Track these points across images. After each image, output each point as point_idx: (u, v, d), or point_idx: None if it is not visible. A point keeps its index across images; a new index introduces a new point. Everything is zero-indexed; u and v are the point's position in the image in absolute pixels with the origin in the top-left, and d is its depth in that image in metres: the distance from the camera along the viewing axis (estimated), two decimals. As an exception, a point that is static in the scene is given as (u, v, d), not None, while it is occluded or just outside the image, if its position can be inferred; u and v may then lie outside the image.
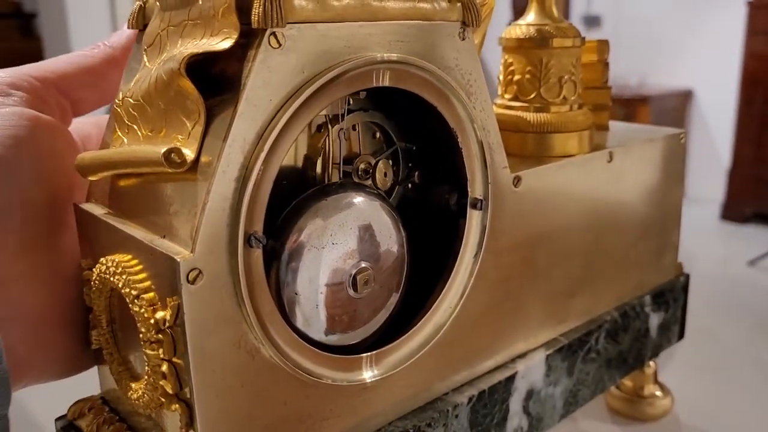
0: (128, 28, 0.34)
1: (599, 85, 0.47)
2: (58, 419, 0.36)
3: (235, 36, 0.26)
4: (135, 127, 0.30)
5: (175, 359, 0.27)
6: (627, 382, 0.54)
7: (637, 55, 4.69)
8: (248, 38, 0.27)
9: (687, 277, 0.52)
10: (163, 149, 0.26)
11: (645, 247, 0.48)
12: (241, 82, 0.26)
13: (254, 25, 0.26)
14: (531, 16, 0.42)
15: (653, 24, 4.54)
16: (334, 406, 0.32)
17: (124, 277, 0.28)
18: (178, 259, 0.25)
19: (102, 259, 0.30)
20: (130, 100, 0.30)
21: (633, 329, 0.48)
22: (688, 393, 0.57)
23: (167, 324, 0.26)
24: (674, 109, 4.42)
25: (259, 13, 0.26)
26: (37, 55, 4.23)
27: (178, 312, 0.26)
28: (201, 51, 0.26)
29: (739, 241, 3.48)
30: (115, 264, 0.29)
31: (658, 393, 0.54)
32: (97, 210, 0.32)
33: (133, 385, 0.30)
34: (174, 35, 0.29)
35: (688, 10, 4.31)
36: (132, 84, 0.30)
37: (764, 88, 3.66)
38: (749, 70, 3.76)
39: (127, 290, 0.28)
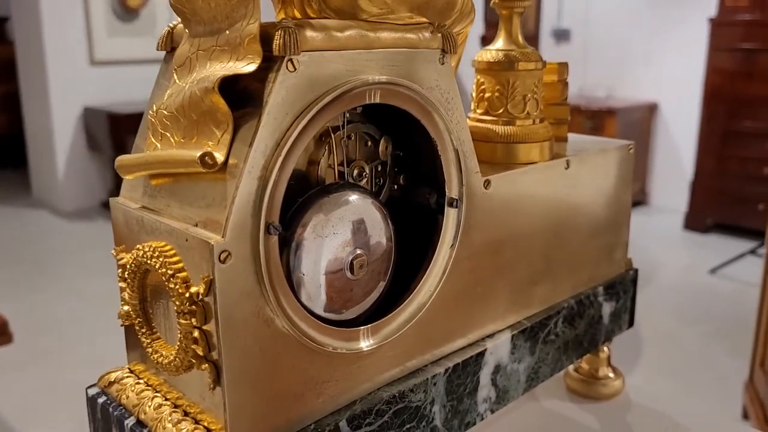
0: (157, 50, 0.39)
1: (559, 102, 0.54)
2: (89, 387, 0.41)
3: (258, 61, 0.32)
4: (168, 134, 0.35)
5: (205, 327, 0.33)
6: (584, 365, 0.61)
7: (604, 69, 4.82)
8: (268, 63, 0.33)
9: (636, 271, 0.59)
10: (199, 153, 0.32)
11: (598, 243, 0.55)
12: (263, 99, 0.32)
13: (275, 53, 0.32)
14: (500, 43, 0.49)
15: (620, 39, 4.68)
16: (334, 371, 0.37)
17: (160, 259, 0.34)
18: (212, 243, 0.31)
19: (138, 245, 0.35)
20: (164, 111, 0.35)
21: (587, 316, 0.54)
22: (647, 388, 0.63)
23: (200, 297, 0.32)
24: (640, 122, 4.56)
25: (279, 43, 0.32)
26: (9, 60, 4.21)
27: (210, 286, 0.32)
28: (230, 73, 0.32)
29: (701, 250, 3.61)
30: (151, 249, 0.34)
31: (611, 375, 0.61)
32: (131, 204, 0.37)
33: (163, 352, 0.36)
34: (203, 58, 0.35)
35: (654, 26, 4.45)
36: (165, 98, 0.36)
37: (726, 103, 3.81)
38: (711, 84, 3.90)
39: (164, 270, 0.33)
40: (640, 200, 4.82)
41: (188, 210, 0.34)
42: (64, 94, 4.10)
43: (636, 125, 4.49)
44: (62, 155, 4.15)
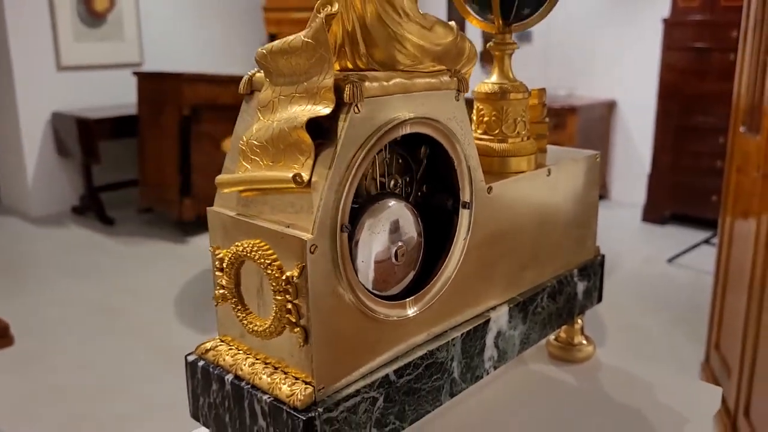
0: (240, 92, 0.51)
1: (539, 120, 0.67)
2: (187, 355, 0.53)
3: (332, 106, 0.44)
4: (257, 159, 0.47)
5: (296, 301, 0.45)
6: (562, 334, 0.74)
7: (565, 69, 5.02)
8: (339, 106, 0.45)
9: (603, 256, 0.72)
10: (290, 174, 0.44)
11: (573, 234, 0.68)
12: (338, 134, 0.44)
13: (345, 100, 0.44)
14: (494, 77, 0.62)
15: (580, 39, 4.87)
16: (384, 334, 0.50)
17: (259, 253, 0.46)
18: (305, 238, 0.43)
19: (236, 243, 0.47)
20: (255, 142, 0.47)
21: (565, 293, 0.67)
22: (613, 360, 0.76)
23: (294, 279, 0.44)
24: (600, 119, 4.75)
25: (349, 93, 0.44)
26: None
27: (302, 271, 0.44)
28: (313, 115, 0.44)
29: (659, 241, 3.81)
30: (251, 245, 0.46)
31: (584, 342, 0.74)
32: (228, 212, 0.49)
33: (257, 322, 0.48)
34: (284, 102, 0.47)
35: (612, 27, 4.66)
36: (254, 131, 0.47)
37: (679, 100, 4.02)
38: (665, 82, 4.11)
39: (262, 260, 0.45)
40: (600, 195, 4.99)
41: (279, 215, 0.46)
42: (31, 99, 4.13)
43: (596, 122, 4.69)
44: (31, 161, 4.18)
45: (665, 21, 4.06)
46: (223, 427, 0.51)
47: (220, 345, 0.52)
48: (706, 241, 3.51)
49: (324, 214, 0.44)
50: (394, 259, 0.50)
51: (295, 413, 0.45)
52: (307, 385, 0.46)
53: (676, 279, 3.27)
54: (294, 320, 0.45)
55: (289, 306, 0.45)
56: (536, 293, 0.63)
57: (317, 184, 0.44)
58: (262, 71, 0.50)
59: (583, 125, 4.56)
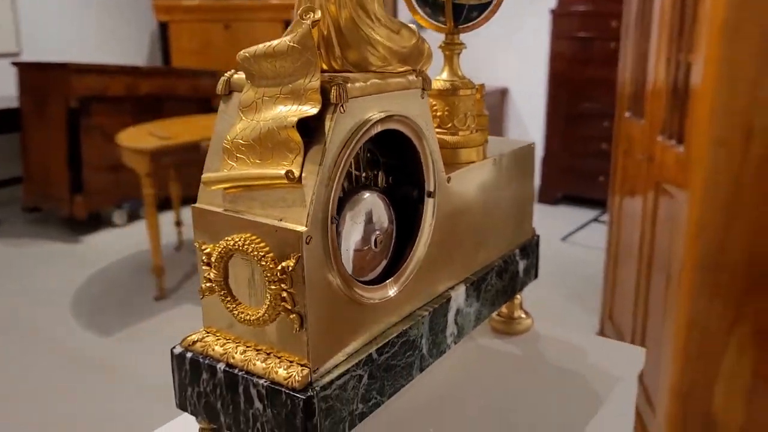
0: (217, 93, 0.53)
1: (481, 113, 0.73)
2: (173, 348, 0.55)
3: (319, 107, 0.48)
4: (244, 158, 0.50)
5: (291, 289, 0.48)
6: (504, 310, 0.80)
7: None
8: (325, 107, 0.48)
9: (538, 236, 0.79)
10: (282, 171, 0.47)
11: (515, 218, 0.74)
12: (325, 132, 0.48)
13: (332, 101, 0.48)
14: (445, 74, 0.66)
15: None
16: (367, 316, 0.54)
17: (252, 245, 0.48)
18: (301, 230, 0.46)
19: (226, 237, 0.49)
20: (240, 141, 0.50)
21: (510, 271, 0.74)
22: (549, 332, 0.83)
23: (290, 268, 0.47)
24: (493, 106, 4.94)
25: (335, 94, 0.47)
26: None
27: (298, 260, 0.47)
28: (302, 116, 0.47)
29: (553, 220, 4.04)
30: (242, 239, 0.49)
31: (523, 316, 0.81)
32: (215, 209, 0.51)
33: (249, 312, 0.50)
34: (268, 102, 0.50)
35: (504, 17, 4.84)
36: (238, 131, 0.50)
37: (567, 87, 4.25)
38: (554, 70, 4.33)
39: (255, 253, 0.48)
40: (497, 178, 5.18)
41: (270, 210, 0.49)
42: None
43: (490, 110, 4.86)
44: None
45: (552, 11, 4.27)
46: (213, 415, 0.53)
47: (207, 336, 0.54)
48: (595, 219, 3.75)
49: (316, 207, 0.47)
50: (373, 247, 0.54)
51: (294, 393, 0.48)
52: (303, 367, 0.49)
53: (570, 255, 3.48)
54: (290, 307, 0.48)
55: (284, 294, 0.48)
56: (486, 272, 0.69)
57: (308, 180, 0.47)
58: (240, 73, 0.52)
59: (478, 112, 4.72)
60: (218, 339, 0.54)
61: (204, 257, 0.52)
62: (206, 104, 4.54)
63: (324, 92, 0.48)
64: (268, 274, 0.48)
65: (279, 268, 0.47)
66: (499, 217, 0.71)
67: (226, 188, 0.51)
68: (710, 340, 1.83)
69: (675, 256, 1.97)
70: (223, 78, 0.53)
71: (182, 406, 0.55)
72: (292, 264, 0.47)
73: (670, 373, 1.91)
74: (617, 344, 0.79)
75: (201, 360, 0.53)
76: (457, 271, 0.65)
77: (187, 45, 5.07)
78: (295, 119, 0.47)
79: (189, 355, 0.54)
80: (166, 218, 3.78)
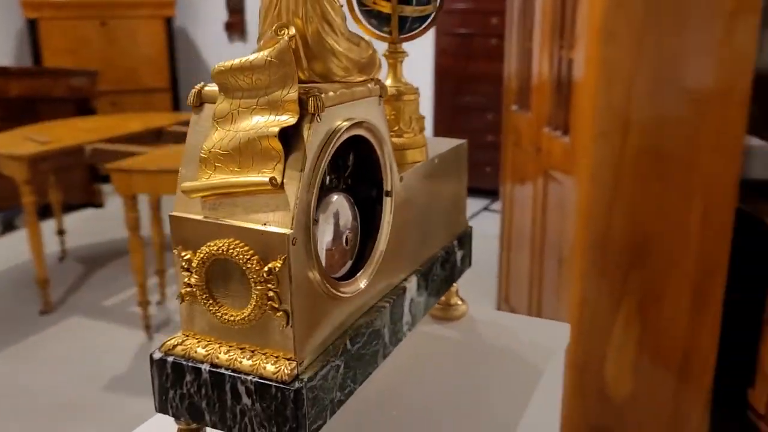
0: (188, 104, 0.55)
1: (418, 116, 0.77)
2: (152, 353, 0.56)
3: (297, 117, 0.51)
4: (222, 166, 0.52)
5: (276, 289, 0.51)
6: (441, 297, 0.86)
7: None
8: (302, 116, 0.51)
9: (471, 227, 0.86)
10: (267, 177, 0.50)
11: (453, 211, 0.80)
12: (304, 140, 0.51)
13: (310, 111, 0.51)
14: (389, 81, 0.71)
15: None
16: (343, 309, 0.57)
17: (237, 249, 0.51)
18: (288, 233, 0.49)
19: (209, 243, 0.52)
20: (218, 150, 0.52)
21: (450, 261, 0.79)
22: (482, 316, 0.90)
23: (277, 269, 0.50)
24: (382, 101, 5.02)
25: (312, 105, 0.51)
26: None
27: (285, 261, 0.50)
28: (282, 125, 0.50)
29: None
30: (226, 244, 0.51)
31: (460, 302, 0.87)
32: (194, 216, 0.53)
33: (233, 312, 0.53)
34: (245, 113, 0.52)
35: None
36: (216, 141, 0.52)
37: (452, 82, 4.40)
38: (439, 65, 4.48)
39: (241, 257, 0.51)
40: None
41: (253, 215, 0.51)
42: None
43: (379, 104, 4.97)
44: None
45: (434, 8, 4.39)
46: (197, 414, 0.55)
47: (187, 340, 0.56)
48: (485, 208, 3.93)
49: (299, 210, 0.51)
50: (344, 244, 0.57)
51: (284, 386, 0.51)
52: (290, 361, 0.52)
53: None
54: (276, 305, 0.51)
55: (271, 293, 0.51)
56: (432, 263, 0.74)
57: (290, 185, 0.50)
58: (210, 85, 0.54)
59: (367, 107, 4.80)
60: (199, 342, 0.56)
61: (184, 263, 0.54)
62: (84, 105, 4.34)
63: (301, 102, 0.51)
64: (254, 276, 0.51)
65: (265, 269, 0.50)
66: (440, 211, 0.76)
67: (206, 196, 0.53)
68: (600, 316, 1.99)
69: (566, 239, 2.12)
70: (194, 90, 0.55)
71: (162, 410, 0.57)
72: (279, 265, 0.50)
73: (567, 349, 2.06)
74: (545, 322, 0.87)
75: (184, 363, 0.55)
76: (409, 263, 0.70)
77: (59, 43, 4.82)
78: (277, 129, 0.50)
79: (170, 359, 0.55)
80: (47, 227, 3.60)
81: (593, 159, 1.90)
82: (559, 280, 2.25)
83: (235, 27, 5.58)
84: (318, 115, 0.51)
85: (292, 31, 0.52)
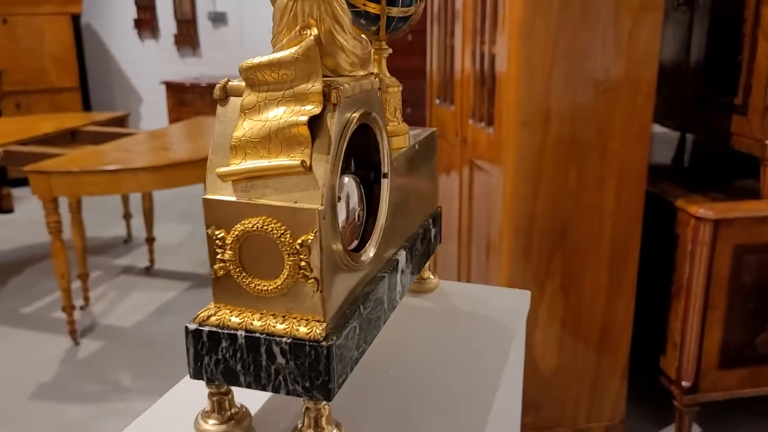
0: (214, 98, 0.61)
1: (400, 107, 0.85)
2: (187, 325, 0.61)
3: (321, 107, 0.58)
4: (253, 152, 0.58)
5: (308, 259, 0.57)
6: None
7: (262, 50, 5.22)
8: (325, 107, 0.58)
9: (440, 207, 0.94)
10: (298, 161, 0.56)
11: (428, 192, 0.88)
12: (328, 127, 0.58)
13: (332, 102, 0.58)
14: (375, 75, 0.78)
15: (271, 23, 5.10)
16: (356, 277, 0.65)
17: (271, 226, 0.57)
18: (320, 208, 0.56)
19: (243, 221, 0.58)
20: (250, 138, 0.58)
21: (427, 237, 0.88)
22: (452, 288, 0.99)
23: (309, 241, 0.57)
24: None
25: (334, 96, 0.58)
26: None
27: (316, 234, 0.57)
28: (309, 115, 0.57)
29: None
30: (261, 221, 0.57)
31: (432, 276, 0.96)
32: (227, 198, 0.59)
33: (266, 282, 0.59)
34: (271, 104, 0.59)
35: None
36: (246, 129, 0.58)
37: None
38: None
39: (275, 232, 0.57)
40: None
41: (285, 195, 0.58)
42: None
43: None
44: None
45: (350, 6, 4.46)
46: (232, 376, 0.61)
47: (219, 311, 0.62)
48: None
49: (327, 189, 0.57)
50: (356, 221, 0.65)
51: (317, 344, 0.58)
52: (320, 323, 0.59)
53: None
54: (308, 274, 0.58)
55: (303, 263, 0.58)
56: (415, 239, 0.83)
57: (318, 167, 0.57)
58: (235, 80, 0.60)
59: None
60: (231, 312, 0.61)
61: (218, 241, 0.59)
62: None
63: (324, 94, 0.58)
64: (287, 248, 0.57)
65: (298, 242, 0.57)
66: (420, 191, 0.85)
67: (238, 179, 0.59)
68: (528, 295, 2.13)
69: (493, 225, 2.25)
70: (219, 85, 0.61)
71: (197, 376, 0.62)
72: (311, 237, 0.57)
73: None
74: (508, 290, 0.97)
75: (219, 331, 0.60)
76: (399, 239, 0.78)
77: (-44, 41, 4.59)
78: (306, 118, 0.57)
79: (205, 329, 0.61)
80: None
81: (518, 148, 2.02)
82: (486, 265, 2.38)
83: (146, 24, 5.47)
84: (338, 105, 0.58)
85: (315, 31, 0.59)
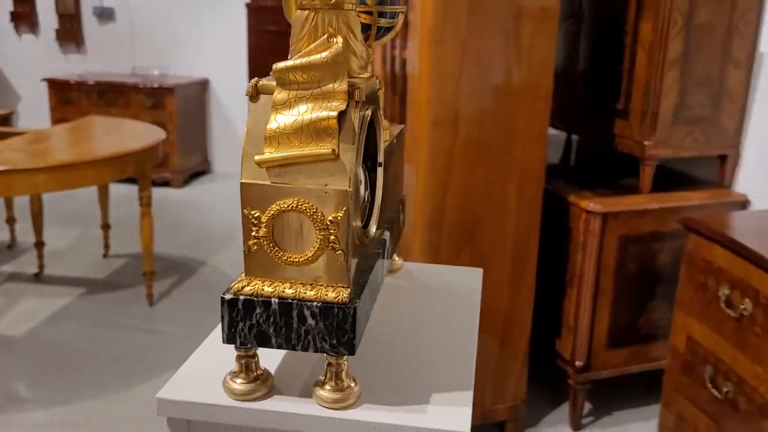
0: (246, 95, 0.69)
1: (383, 105, 0.96)
2: (223, 295, 0.69)
3: (345, 104, 0.67)
4: (286, 143, 0.67)
5: (337, 233, 0.67)
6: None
7: (154, 48, 5.12)
8: (348, 103, 0.68)
9: (404, 196, 1.06)
10: (329, 149, 0.66)
11: (399, 181, 0.99)
12: (352, 121, 0.68)
13: (355, 99, 0.68)
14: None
15: (166, 18, 5.01)
16: (367, 249, 0.75)
17: (305, 205, 0.67)
18: (349, 190, 0.66)
19: (278, 201, 0.67)
20: (284, 130, 0.67)
21: (399, 221, 0.99)
22: (415, 267, 1.10)
23: (338, 218, 0.67)
24: (195, 97, 5.01)
25: (357, 94, 0.68)
26: None
27: (345, 212, 0.67)
28: (338, 110, 0.67)
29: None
30: (295, 201, 0.67)
31: (398, 258, 1.07)
32: (262, 182, 0.68)
33: (296, 255, 0.68)
34: (301, 101, 0.68)
35: (195, 9, 4.92)
36: (280, 123, 0.67)
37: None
38: (253, 61, 4.58)
39: (309, 211, 0.67)
40: (204, 170, 5.28)
41: (316, 179, 0.67)
42: None
43: (192, 100, 4.94)
44: None
45: (247, 5, 4.50)
46: (264, 339, 0.70)
47: (252, 281, 0.70)
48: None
49: (353, 174, 0.67)
50: (366, 202, 0.75)
51: (344, 306, 0.68)
52: (346, 288, 0.69)
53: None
54: (336, 246, 0.68)
55: (332, 237, 0.67)
56: (393, 221, 0.94)
57: (345, 155, 0.67)
58: (264, 79, 0.69)
59: (181, 104, 4.76)
60: (264, 282, 0.70)
61: (253, 220, 0.68)
62: None
63: (349, 93, 0.68)
64: (319, 224, 0.67)
65: (329, 218, 0.67)
66: (395, 180, 0.96)
67: (273, 165, 0.67)
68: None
69: (408, 221, 2.39)
70: (251, 84, 0.69)
71: (230, 340, 0.70)
72: (340, 215, 0.67)
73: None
74: (464, 268, 1.10)
75: (254, 298, 0.69)
76: (385, 221, 0.88)
77: None
78: (336, 113, 0.67)
79: (241, 297, 0.69)
80: None
81: (429, 146, 2.16)
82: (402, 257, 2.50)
83: (24, 18, 5.21)
84: (360, 102, 0.69)
85: (341, 39, 0.68)
